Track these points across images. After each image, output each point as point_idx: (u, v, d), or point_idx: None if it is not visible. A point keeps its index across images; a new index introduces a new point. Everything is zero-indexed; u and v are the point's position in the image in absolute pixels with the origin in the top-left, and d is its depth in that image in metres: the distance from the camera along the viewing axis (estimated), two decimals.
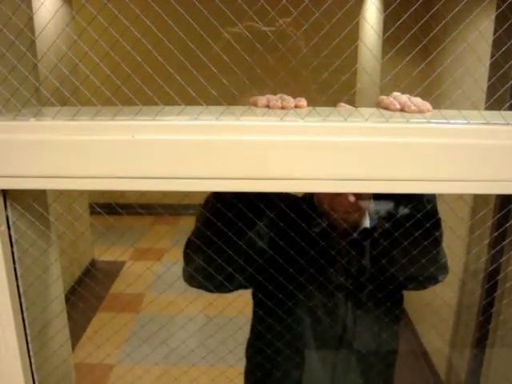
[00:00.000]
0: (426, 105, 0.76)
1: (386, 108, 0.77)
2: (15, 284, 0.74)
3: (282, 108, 0.76)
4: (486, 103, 1.37)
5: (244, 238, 1.03)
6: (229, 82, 0.77)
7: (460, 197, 0.73)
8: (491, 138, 0.66)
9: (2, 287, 0.71)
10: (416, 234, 0.99)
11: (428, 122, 0.67)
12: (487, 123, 0.67)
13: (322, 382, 1.26)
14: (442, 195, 0.71)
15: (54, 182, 0.67)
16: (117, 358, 3.47)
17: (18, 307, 0.75)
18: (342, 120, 0.67)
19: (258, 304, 1.27)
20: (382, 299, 1.15)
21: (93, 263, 4.49)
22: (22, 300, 0.76)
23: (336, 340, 1.24)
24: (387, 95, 0.79)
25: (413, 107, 0.75)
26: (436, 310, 3.27)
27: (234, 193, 0.78)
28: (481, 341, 2.40)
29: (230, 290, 1.13)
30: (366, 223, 1.23)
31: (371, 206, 1.24)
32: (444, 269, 1.17)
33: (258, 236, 1.10)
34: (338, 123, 0.67)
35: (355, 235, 1.21)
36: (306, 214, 1.09)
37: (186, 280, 1.11)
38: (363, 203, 1.16)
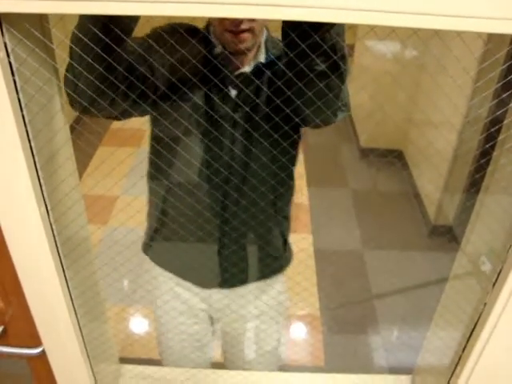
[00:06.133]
0: None
1: None
2: (20, 113, 0.74)
3: None
4: None
5: (126, 59, 0.98)
6: None
7: (479, 36, 0.70)
8: None
9: (7, 115, 0.71)
10: (320, 69, 0.97)
11: None
12: None
13: (214, 211, 1.31)
14: (459, 33, 0.67)
15: (52, 6, 0.63)
16: (120, 190, 3.61)
17: (25, 135, 0.75)
18: None
19: (152, 136, 1.31)
20: (277, 134, 1.15)
21: None
22: (28, 129, 0.76)
23: (227, 170, 1.26)
24: None
25: None
26: (434, 154, 3.33)
27: None
28: (474, 185, 2.48)
29: (117, 117, 1.12)
30: (261, 58, 1.22)
31: (269, 42, 1.23)
32: (344, 107, 1.15)
33: (151, 62, 1.07)
34: None
35: (248, 68, 1.21)
36: (201, 43, 1.06)
37: (72, 104, 1.04)
38: (255, 24, 1.12)
